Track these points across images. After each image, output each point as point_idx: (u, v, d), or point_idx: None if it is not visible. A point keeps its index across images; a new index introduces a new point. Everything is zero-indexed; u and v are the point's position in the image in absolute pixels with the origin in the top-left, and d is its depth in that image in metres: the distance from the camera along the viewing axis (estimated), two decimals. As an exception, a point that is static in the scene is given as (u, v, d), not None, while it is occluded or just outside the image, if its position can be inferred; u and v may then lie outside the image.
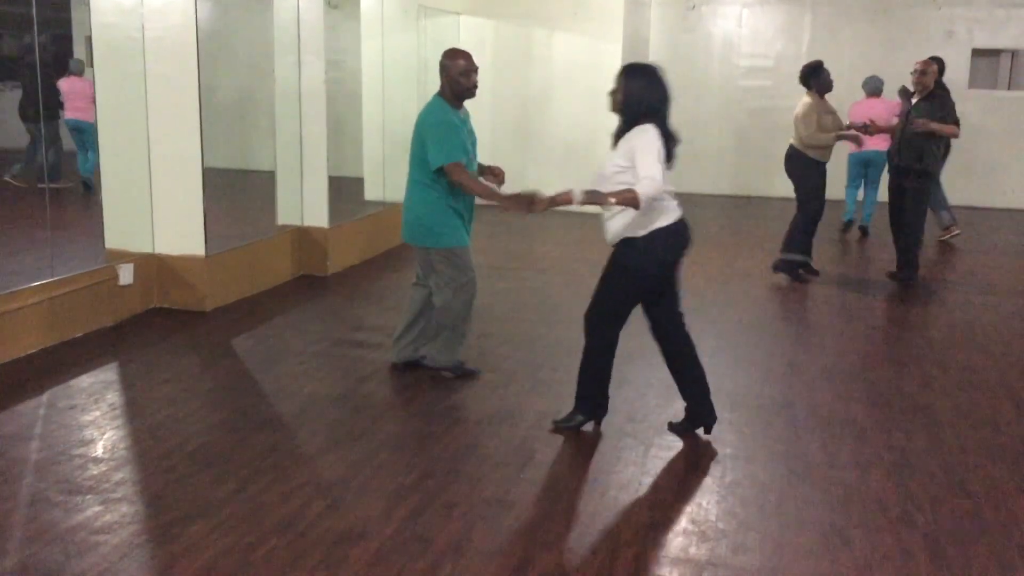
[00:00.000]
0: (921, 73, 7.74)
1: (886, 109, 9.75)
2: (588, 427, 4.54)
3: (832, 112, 7.94)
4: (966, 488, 4.01)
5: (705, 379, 4.49)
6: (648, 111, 4.17)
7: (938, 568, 3.34)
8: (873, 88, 10.14)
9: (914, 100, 7.83)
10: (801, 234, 8.03)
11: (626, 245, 4.25)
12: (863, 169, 10.31)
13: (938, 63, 7.95)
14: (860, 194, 10.59)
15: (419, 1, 9.66)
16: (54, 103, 9.97)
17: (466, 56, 4.95)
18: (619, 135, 4.26)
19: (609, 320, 4.40)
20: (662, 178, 4.04)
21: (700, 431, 4.52)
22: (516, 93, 11.51)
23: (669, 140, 4.19)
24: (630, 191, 3.98)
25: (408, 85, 9.55)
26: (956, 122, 7.74)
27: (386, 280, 7.75)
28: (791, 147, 8.00)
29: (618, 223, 4.22)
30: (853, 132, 8.14)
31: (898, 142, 7.86)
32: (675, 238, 4.27)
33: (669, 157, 4.20)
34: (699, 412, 4.51)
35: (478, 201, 5.09)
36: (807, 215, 8.01)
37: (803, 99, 7.92)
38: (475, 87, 4.98)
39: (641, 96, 4.18)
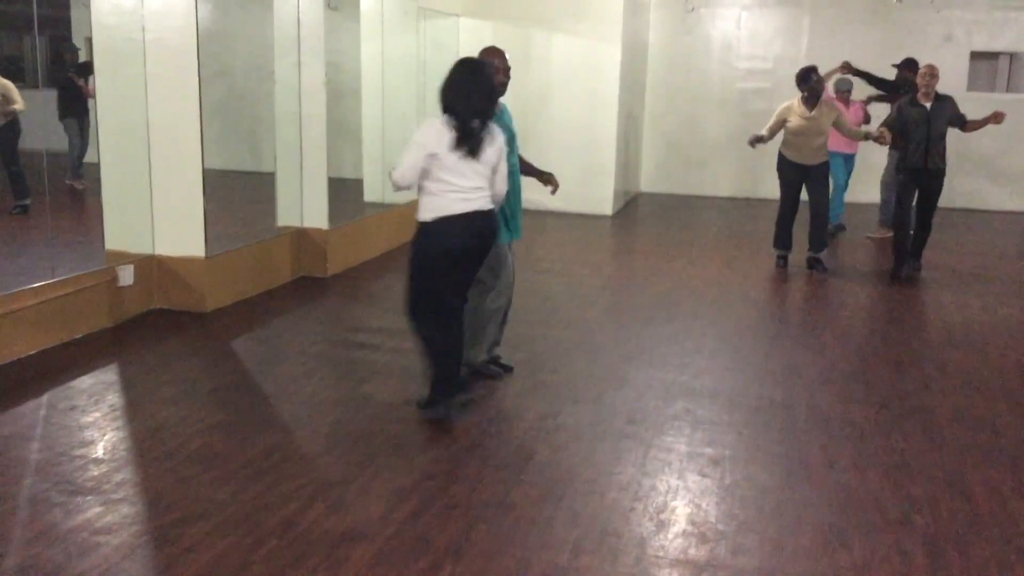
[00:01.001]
0: (931, 76, 7.81)
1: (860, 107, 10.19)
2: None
3: (817, 117, 8.00)
4: (965, 490, 4.02)
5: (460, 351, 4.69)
6: (448, 103, 4.37)
7: (936, 569, 3.35)
8: (842, 89, 10.24)
9: (928, 104, 7.86)
10: (775, 227, 8.57)
11: (418, 228, 4.45)
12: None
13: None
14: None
15: (419, 3, 9.67)
16: (82, 102, 9.99)
17: (500, 55, 4.97)
18: None
19: (416, 303, 4.54)
20: (410, 168, 4.30)
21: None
22: (515, 95, 11.41)
23: (467, 135, 4.32)
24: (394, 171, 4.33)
25: (408, 86, 9.56)
26: None
27: (386, 282, 7.75)
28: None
29: (420, 206, 4.44)
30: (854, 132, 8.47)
31: (924, 147, 7.86)
32: (461, 227, 4.40)
33: (472, 152, 4.34)
34: (449, 383, 4.62)
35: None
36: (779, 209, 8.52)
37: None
38: (502, 87, 4.96)
39: (447, 88, 4.39)
